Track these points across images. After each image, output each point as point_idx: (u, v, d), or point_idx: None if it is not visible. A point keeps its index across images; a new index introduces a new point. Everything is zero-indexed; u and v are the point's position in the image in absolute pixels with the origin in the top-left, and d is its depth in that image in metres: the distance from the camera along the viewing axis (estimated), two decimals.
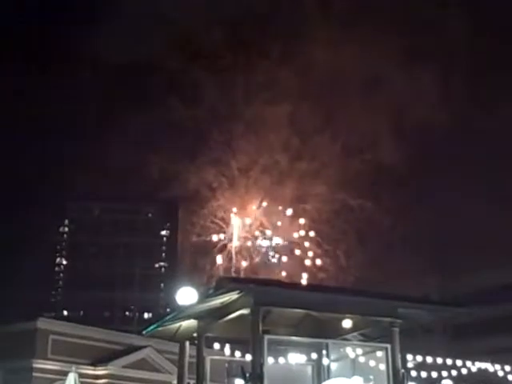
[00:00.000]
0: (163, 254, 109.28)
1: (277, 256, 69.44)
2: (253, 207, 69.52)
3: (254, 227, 69.25)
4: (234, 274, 65.05)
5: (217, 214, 68.66)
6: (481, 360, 23.85)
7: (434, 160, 74.90)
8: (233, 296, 18.34)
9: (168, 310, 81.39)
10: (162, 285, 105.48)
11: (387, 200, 66.31)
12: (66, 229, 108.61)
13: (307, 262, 66.14)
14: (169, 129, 72.40)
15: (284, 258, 68.55)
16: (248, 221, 69.38)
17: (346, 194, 66.46)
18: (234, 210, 68.70)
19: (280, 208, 69.12)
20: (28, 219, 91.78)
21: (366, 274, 62.42)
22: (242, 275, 66.40)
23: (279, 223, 68.50)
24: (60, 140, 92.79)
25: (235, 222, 68.79)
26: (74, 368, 19.29)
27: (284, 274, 65.49)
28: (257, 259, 68.78)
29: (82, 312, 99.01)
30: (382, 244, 67.18)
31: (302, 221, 67.63)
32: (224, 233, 68.04)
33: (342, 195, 66.36)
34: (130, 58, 72.74)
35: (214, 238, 68.51)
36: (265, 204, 69.69)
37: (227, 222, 68.65)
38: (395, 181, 69.46)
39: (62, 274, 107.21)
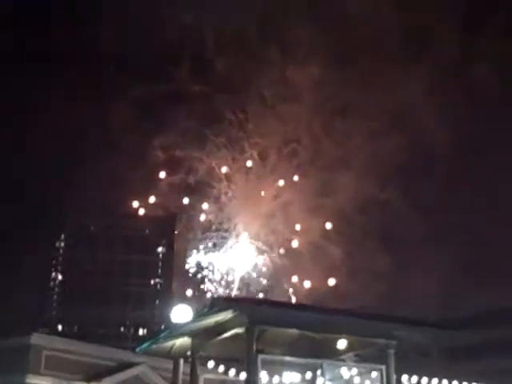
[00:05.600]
0: (159, 271, 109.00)
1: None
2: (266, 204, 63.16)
3: (267, 229, 63.94)
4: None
5: (224, 210, 63.41)
6: (476, 381, 23.76)
7: (476, 144, 66.26)
8: (227, 315, 18.30)
9: (163, 326, 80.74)
10: (157, 301, 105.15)
11: (417, 191, 59.96)
12: (62, 244, 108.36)
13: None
14: (173, 105, 64.52)
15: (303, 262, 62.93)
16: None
17: (372, 185, 59.94)
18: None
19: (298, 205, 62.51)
20: (24, 234, 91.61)
21: (388, 281, 57.86)
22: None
23: (297, 227, 62.96)
24: (55, 153, 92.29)
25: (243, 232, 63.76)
26: None
27: (295, 278, 60.74)
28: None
29: (76, 327, 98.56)
30: (407, 246, 61.80)
31: (327, 225, 61.07)
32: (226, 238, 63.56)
33: (368, 187, 59.95)
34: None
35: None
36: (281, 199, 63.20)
37: (235, 225, 63.73)
38: (428, 168, 62.74)
39: (57, 289, 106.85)
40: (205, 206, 63.28)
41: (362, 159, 59.24)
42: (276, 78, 61.27)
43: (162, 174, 63.02)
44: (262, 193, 62.09)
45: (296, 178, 61.93)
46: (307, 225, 62.14)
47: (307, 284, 60.66)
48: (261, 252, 64.28)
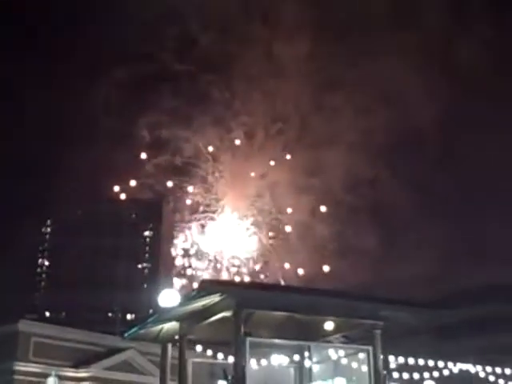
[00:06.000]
0: (146, 255, 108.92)
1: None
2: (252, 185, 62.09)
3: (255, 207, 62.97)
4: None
5: (212, 191, 62.54)
6: (463, 361, 23.95)
7: (466, 121, 65.58)
8: (215, 298, 18.32)
9: (151, 311, 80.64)
10: (145, 286, 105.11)
11: (407, 169, 59.26)
12: (48, 229, 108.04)
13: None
14: (158, 85, 63.63)
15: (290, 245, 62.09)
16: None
17: (361, 163, 58.97)
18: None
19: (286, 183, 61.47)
20: (10, 221, 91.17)
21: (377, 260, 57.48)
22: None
23: (289, 210, 61.91)
24: (41, 138, 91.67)
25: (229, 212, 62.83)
26: (53, 372, 19.14)
27: (287, 265, 60.41)
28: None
29: (64, 313, 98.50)
30: (397, 224, 61.32)
31: (322, 208, 59.81)
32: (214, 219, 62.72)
33: (357, 165, 58.98)
34: None
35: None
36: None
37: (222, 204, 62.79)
38: (418, 146, 62.05)
39: (44, 275, 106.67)
40: (192, 187, 62.74)
41: (350, 137, 58.58)
42: (262, 55, 60.05)
43: (148, 156, 62.46)
44: (252, 174, 61.25)
45: (286, 156, 61.14)
46: (296, 204, 61.48)
47: (296, 266, 60.29)
48: (250, 233, 63.83)
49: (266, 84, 61.32)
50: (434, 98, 57.16)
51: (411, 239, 65.35)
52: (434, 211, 68.60)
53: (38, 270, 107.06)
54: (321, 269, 59.22)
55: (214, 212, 63.66)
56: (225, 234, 64.26)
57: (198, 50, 60.70)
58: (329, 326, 19.59)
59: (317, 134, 61.35)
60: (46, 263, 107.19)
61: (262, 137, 62.84)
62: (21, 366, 39.72)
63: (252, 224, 64.20)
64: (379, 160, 59.67)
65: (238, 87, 61.85)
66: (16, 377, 39.30)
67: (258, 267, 64.10)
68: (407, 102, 58.27)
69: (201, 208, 64.02)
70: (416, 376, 24.14)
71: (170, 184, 64.11)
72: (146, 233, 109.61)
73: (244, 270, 64.13)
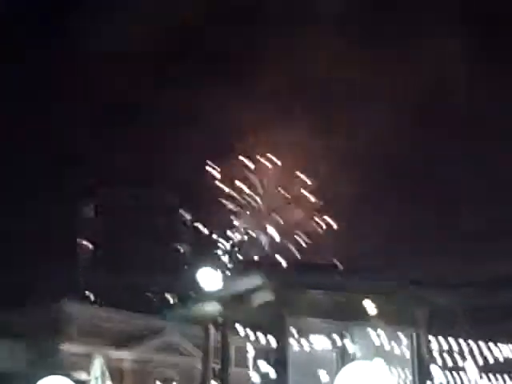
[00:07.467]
0: (186, 236, 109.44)
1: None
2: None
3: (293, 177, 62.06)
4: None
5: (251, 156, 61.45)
6: (503, 343, 23.74)
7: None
8: (256, 280, 18.32)
9: (192, 292, 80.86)
10: (186, 267, 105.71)
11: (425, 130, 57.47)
12: (92, 212, 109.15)
13: None
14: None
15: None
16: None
17: (382, 123, 57.19)
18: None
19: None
20: (53, 203, 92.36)
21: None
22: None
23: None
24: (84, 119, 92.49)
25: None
26: (98, 353, 19.41)
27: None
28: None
29: (106, 295, 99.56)
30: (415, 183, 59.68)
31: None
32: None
33: (377, 125, 57.35)
34: None
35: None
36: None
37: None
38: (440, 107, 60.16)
39: (86, 257, 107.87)
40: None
41: (373, 96, 57.25)
42: (284, 9, 58.34)
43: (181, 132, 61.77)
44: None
45: (301, 114, 59.93)
46: (317, 164, 60.39)
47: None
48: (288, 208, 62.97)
49: (288, 40, 59.75)
50: (457, 57, 55.69)
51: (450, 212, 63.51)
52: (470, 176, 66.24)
53: (80, 252, 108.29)
54: (340, 231, 58.42)
55: (249, 187, 62.98)
56: (264, 208, 63.66)
57: (216, 5, 59.11)
58: (370, 307, 19.49)
59: (339, 92, 60.04)
60: (90, 246, 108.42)
61: (285, 94, 61.21)
62: (65, 346, 40.34)
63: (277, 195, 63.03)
64: (400, 120, 58.28)
65: (259, 43, 60.19)
66: (61, 357, 39.92)
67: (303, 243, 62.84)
68: (430, 60, 56.72)
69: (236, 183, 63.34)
70: (458, 358, 23.99)
71: (210, 168, 63.96)
72: (187, 214, 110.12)
73: (283, 246, 63.53)
